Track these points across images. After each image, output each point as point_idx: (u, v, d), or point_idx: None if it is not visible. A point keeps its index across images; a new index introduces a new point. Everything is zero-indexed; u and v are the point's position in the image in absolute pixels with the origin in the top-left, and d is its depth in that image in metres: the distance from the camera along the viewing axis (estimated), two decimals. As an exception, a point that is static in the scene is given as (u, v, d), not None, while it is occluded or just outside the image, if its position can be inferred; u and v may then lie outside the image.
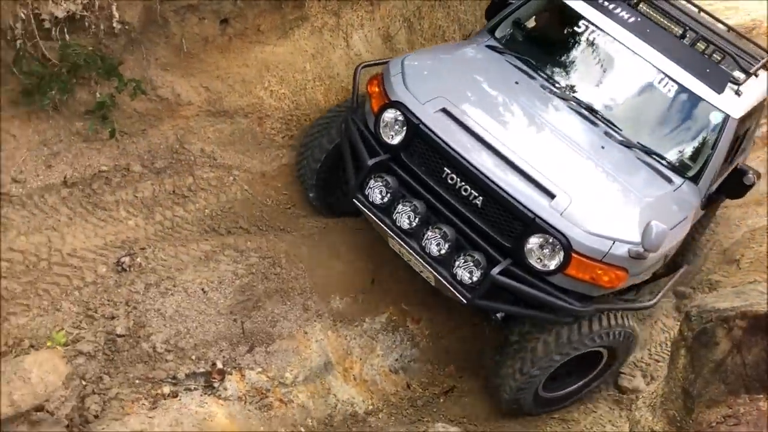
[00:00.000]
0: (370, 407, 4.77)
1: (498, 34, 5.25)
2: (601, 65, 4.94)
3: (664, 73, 4.77)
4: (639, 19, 4.94)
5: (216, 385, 4.15)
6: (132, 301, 4.20)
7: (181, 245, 4.66)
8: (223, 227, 4.96)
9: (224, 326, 4.36)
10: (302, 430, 4.36)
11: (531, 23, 5.36)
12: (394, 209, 4.35)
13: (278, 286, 4.67)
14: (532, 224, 3.98)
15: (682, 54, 4.83)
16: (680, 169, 4.75)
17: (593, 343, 4.55)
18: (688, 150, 4.83)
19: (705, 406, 2.41)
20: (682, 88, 4.76)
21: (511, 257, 4.11)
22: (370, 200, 4.41)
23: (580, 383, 5.06)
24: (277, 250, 4.82)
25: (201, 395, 4.06)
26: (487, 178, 4.07)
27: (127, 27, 4.57)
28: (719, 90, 4.73)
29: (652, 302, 4.79)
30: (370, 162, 4.37)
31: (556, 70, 5.00)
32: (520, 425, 4.97)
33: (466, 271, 4.20)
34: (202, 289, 4.42)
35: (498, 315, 4.57)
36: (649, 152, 4.70)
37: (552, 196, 4.03)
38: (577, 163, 4.38)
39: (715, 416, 2.29)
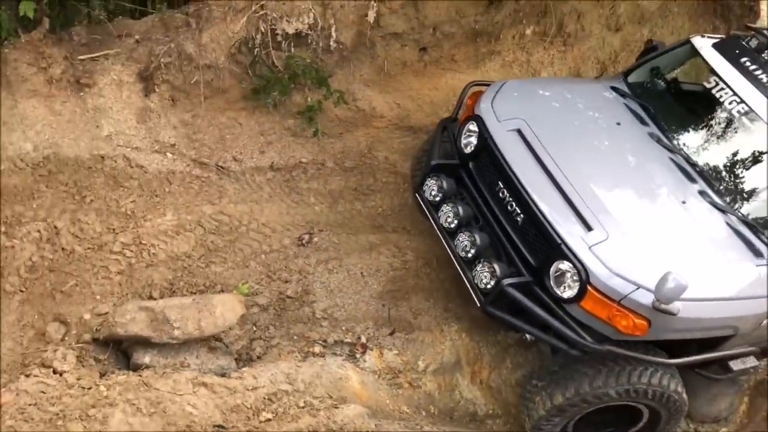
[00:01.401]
0: (490, 411, 5.17)
1: (631, 78, 5.27)
2: (722, 125, 4.82)
3: None
4: None
5: (357, 356, 4.82)
6: (304, 271, 5.04)
7: (352, 234, 5.43)
8: (390, 225, 5.66)
9: (374, 308, 5.03)
10: (424, 413, 4.92)
11: (667, 73, 5.29)
12: (441, 208, 4.66)
13: (426, 284, 5.26)
14: (558, 249, 4.03)
15: None
16: None
17: (626, 396, 4.34)
18: None
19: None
20: None
21: (534, 277, 4.18)
22: (425, 197, 4.75)
23: None
24: (432, 253, 5.42)
25: (343, 360, 4.76)
26: (530, 197, 4.20)
27: (341, 46, 5.49)
28: None
29: (673, 360, 4.39)
30: (434, 162, 4.71)
31: (675, 121, 4.91)
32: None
33: (483, 277, 4.34)
34: (362, 273, 5.15)
35: (527, 336, 4.56)
36: (746, 222, 4.44)
37: (589, 228, 4.06)
38: (640, 207, 4.33)
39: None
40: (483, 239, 4.46)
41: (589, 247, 3.99)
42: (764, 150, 4.56)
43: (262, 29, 5.31)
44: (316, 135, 5.68)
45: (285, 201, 5.48)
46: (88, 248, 4.56)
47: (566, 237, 4.05)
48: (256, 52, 5.36)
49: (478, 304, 4.37)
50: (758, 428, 2.59)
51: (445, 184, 4.69)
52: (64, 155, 4.88)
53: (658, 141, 4.73)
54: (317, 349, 4.76)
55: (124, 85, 5.31)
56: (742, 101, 4.63)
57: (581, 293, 3.96)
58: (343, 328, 4.89)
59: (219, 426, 3.78)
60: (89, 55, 5.28)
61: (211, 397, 3.93)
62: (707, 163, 4.67)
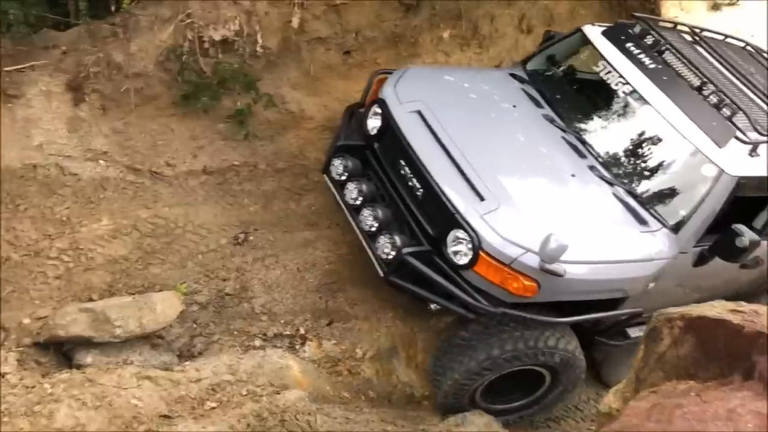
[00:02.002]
0: (426, 393, 5.44)
1: (529, 66, 5.58)
2: (611, 105, 5.06)
3: (666, 120, 4.77)
4: (660, 66, 4.99)
5: (297, 347, 5.02)
6: (241, 269, 5.21)
7: (287, 232, 5.62)
8: (325, 223, 5.86)
9: (311, 301, 5.23)
10: (363, 397, 5.14)
11: (563, 60, 5.56)
12: (346, 186, 4.90)
13: (362, 275, 5.47)
14: (452, 219, 4.25)
15: (690, 104, 4.79)
16: (661, 215, 4.68)
17: (528, 359, 4.58)
18: (675, 199, 4.74)
19: (647, 389, 2.97)
20: (681, 137, 4.72)
21: (434, 246, 4.41)
22: (332, 176, 4.99)
23: (523, 402, 5.10)
24: (365, 245, 5.66)
25: (283, 352, 4.95)
26: (428, 171, 4.44)
27: (267, 51, 5.71)
28: (720, 144, 4.61)
29: (564, 320, 4.61)
30: (339, 143, 4.99)
31: (568, 104, 5.21)
32: None
33: (385, 248, 4.56)
34: (298, 269, 5.34)
35: (432, 306, 4.67)
36: (632, 193, 4.71)
37: (482, 199, 4.29)
38: (530, 179, 4.61)
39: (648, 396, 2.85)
40: (385, 214, 4.69)
41: (481, 216, 4.22)
42: (648, 127, 4.85)
43: (189, 37, 5.48)
44: (248, 138, 5.85)
45: (219, 203, 5.63)
46: (24, 255, 4.62)
47: (460, 207, 4.28)
48: (184, 59, 5.51)
49: (381, 275, 4.58)
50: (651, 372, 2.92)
51: (350, 164, 4.92)
52: (-5, 165, 4.91)
53: (552, 122, 5.03)
54: (257, 342, 4.93)
55: (53, 95, 5.37)
56: (627, 82, 4.95)
57: (475, 259, 4.19)
58: (282, 321, 5.08)
59: (165, 416, 3.92)
60: (15, 67, 5.33)
61: (156, 390, 4.05)
62: (597, 141, 4.95)
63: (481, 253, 4.18)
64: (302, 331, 5.09)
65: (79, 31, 5.65)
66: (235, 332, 4.93)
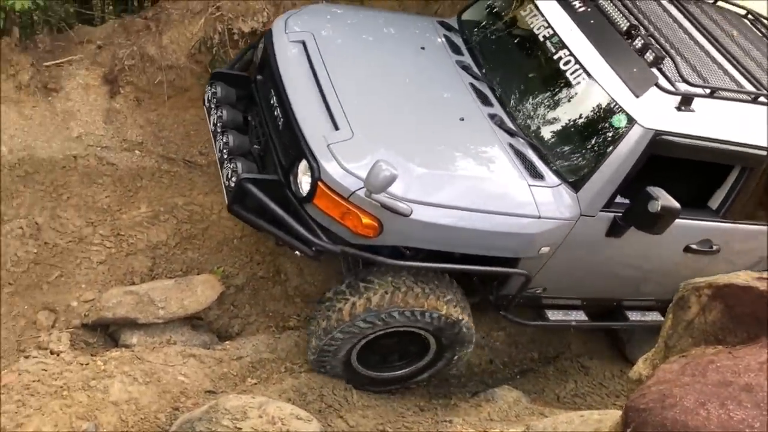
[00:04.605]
0: (454, 371, 5.60)
1: (465, 16, 5.15)
2: (532, 53, 4.59)
3: (582, 65, 4.20)
4: (589, 9, 4.45)
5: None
6: (274, 252, 5.38)
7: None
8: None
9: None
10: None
11: (501, 11, 4.97)
12: (211, 112, 4.66)
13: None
14: (298, 147, 3.89)
15: (612, 49, 4.21)
16: (563, 171, 4.13)
17: (405, 320, 4.09)
18: (580, 153, 4.15)
19: (676, 355, 3.12)
20: (592, 81, 4.14)
21: (285, 178, 4.03)
22: (206, 104, 4.77)
23: (408, 370, 4.61)
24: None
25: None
26: (288, 99, 4.08)
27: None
28: (637, 92, 4.00)
29: (406, 263, 4.06)
30: (214, 70, 4.83)
31: (491, 53, 4.77)
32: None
33: (229, 175, 4.22)
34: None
35: (297, 253, 4.10)
36: (534, 146, 4.22)
37: (336, 128, 3.91)
38: (406, 118, 4.20)
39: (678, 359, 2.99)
40: (239, 142, 4.36)
41: (328, 145, 3.83)
42: (565, 75, 4.29)
43: (219, 29, 5.63)
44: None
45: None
46: (70, 241, 4.81)
47: (308, 135, 3.90)
48: (214, 51, 5.67)
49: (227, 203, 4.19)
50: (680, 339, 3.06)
51: (219, 91, 4.63)
52: (39, 156, 5.11)
53: (466, 68, 4.61)
54: (292, 323, 5.11)
55: (90, 89, 5.56)
56: (549, 25, 4.45)
57: (313, 190, 3.79)
58: (314, 303, 5.25)
59: (210, 391, 4.11)
60: (54, 62, 5.53)
61: (200, 367, 4.26)
62: (510, 90, 4.51)
63: (319, 184, 3.75)
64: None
65: (113, 26, 5.83)
66: (271, 314, 5.12)
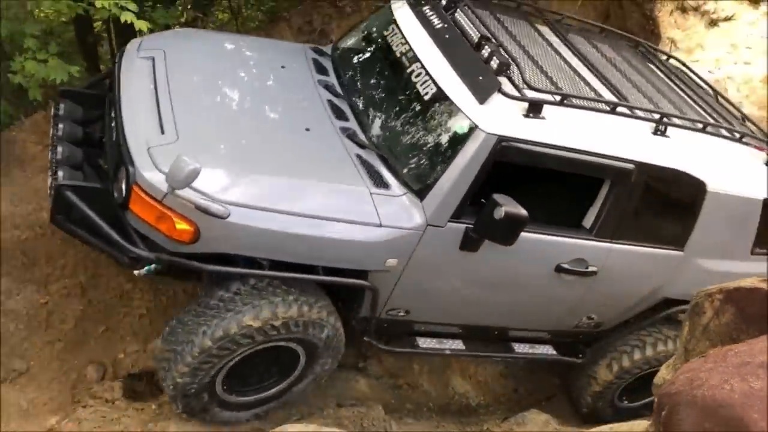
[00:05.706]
0: (482, 401, 5.82)
1: (342, 43, 5.14)
2: (391, 69, 4.58)
3: (431, 76, 4.16)
4: (446, 25, 4.43)
5: (359, 365, 5.44)
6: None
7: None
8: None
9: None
10: (424, 408, 5.52)
11: (374, 34, 4.93)
12: (53, 129, 4.42)
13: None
14: (120, 153, 3.76)
15: (461, 60, 4.16)
16: (409, 181, 4.04)
17: (266, 334, 3.87)
18: (426, 162, 4.07)
19: (696, 356, 3.38)
20: (439, 90, 4.09)
21: (111, 186, 3.87)
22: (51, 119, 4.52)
23: (280, 387, 4.37)
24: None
25: (349, 371, 5.37)
26: (120, 108, 4.00)
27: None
28: (481, 99, 3.91)
29: (236, 270, 3.86)
30: (62, 89, 4.68)
31: (356, 73, 4.80)
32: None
33: (50, 185, 4.02)
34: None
35: (141, 272, 3.76)
36: (383, 157, 4.15)
37: (162, 132, 3.82)
38: (242, 127, 4.18)
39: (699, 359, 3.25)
40: (68, 152, 4.16)
41: (148, 149, 3.69)
42: (417, 87, 4.23)
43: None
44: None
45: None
46: (111, 298, 5.10)
47: (130, 140, 3.77)
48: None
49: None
50: (698, 342, 3.34)
51: (63, 108, 4.48)
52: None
53: (327, 87, 4.62)
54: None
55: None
56: (406, 41, 4.44)
57: (128, 194, 3.61)
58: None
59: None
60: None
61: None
62: (367, 105, 4.49)
63: (134, 187, 3.58)
64: (363, 349, 5.49)
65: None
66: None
